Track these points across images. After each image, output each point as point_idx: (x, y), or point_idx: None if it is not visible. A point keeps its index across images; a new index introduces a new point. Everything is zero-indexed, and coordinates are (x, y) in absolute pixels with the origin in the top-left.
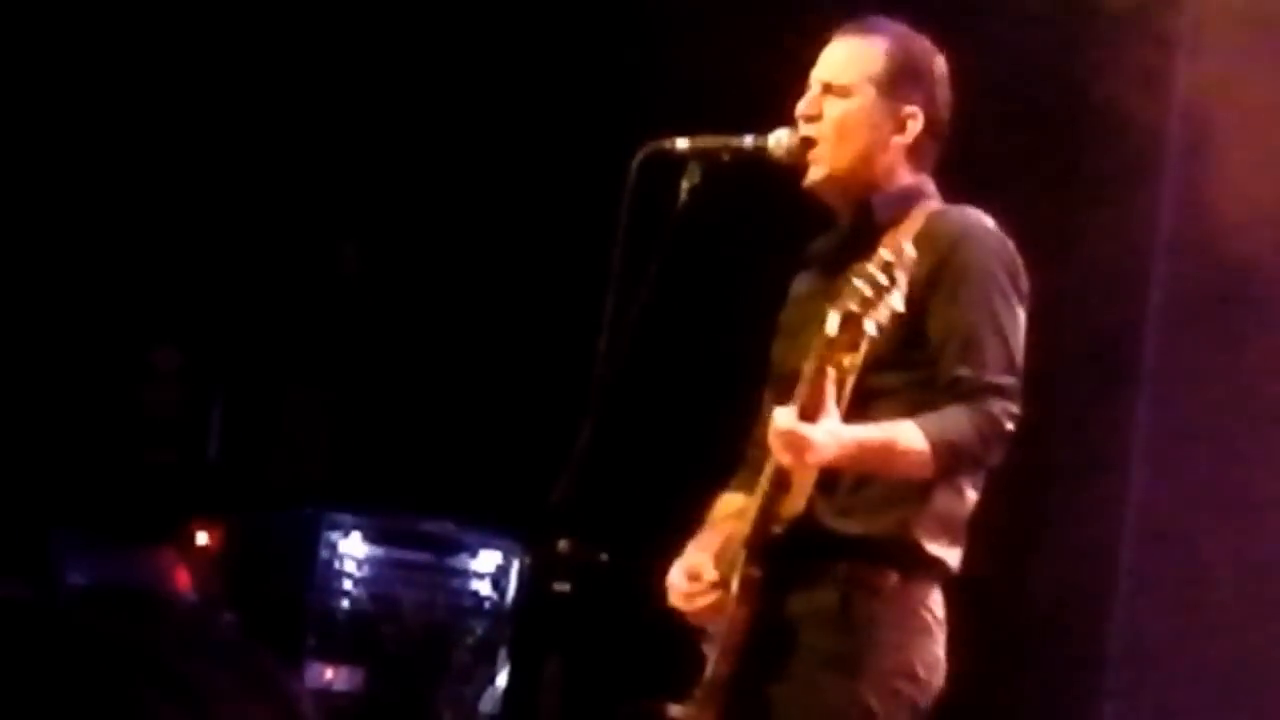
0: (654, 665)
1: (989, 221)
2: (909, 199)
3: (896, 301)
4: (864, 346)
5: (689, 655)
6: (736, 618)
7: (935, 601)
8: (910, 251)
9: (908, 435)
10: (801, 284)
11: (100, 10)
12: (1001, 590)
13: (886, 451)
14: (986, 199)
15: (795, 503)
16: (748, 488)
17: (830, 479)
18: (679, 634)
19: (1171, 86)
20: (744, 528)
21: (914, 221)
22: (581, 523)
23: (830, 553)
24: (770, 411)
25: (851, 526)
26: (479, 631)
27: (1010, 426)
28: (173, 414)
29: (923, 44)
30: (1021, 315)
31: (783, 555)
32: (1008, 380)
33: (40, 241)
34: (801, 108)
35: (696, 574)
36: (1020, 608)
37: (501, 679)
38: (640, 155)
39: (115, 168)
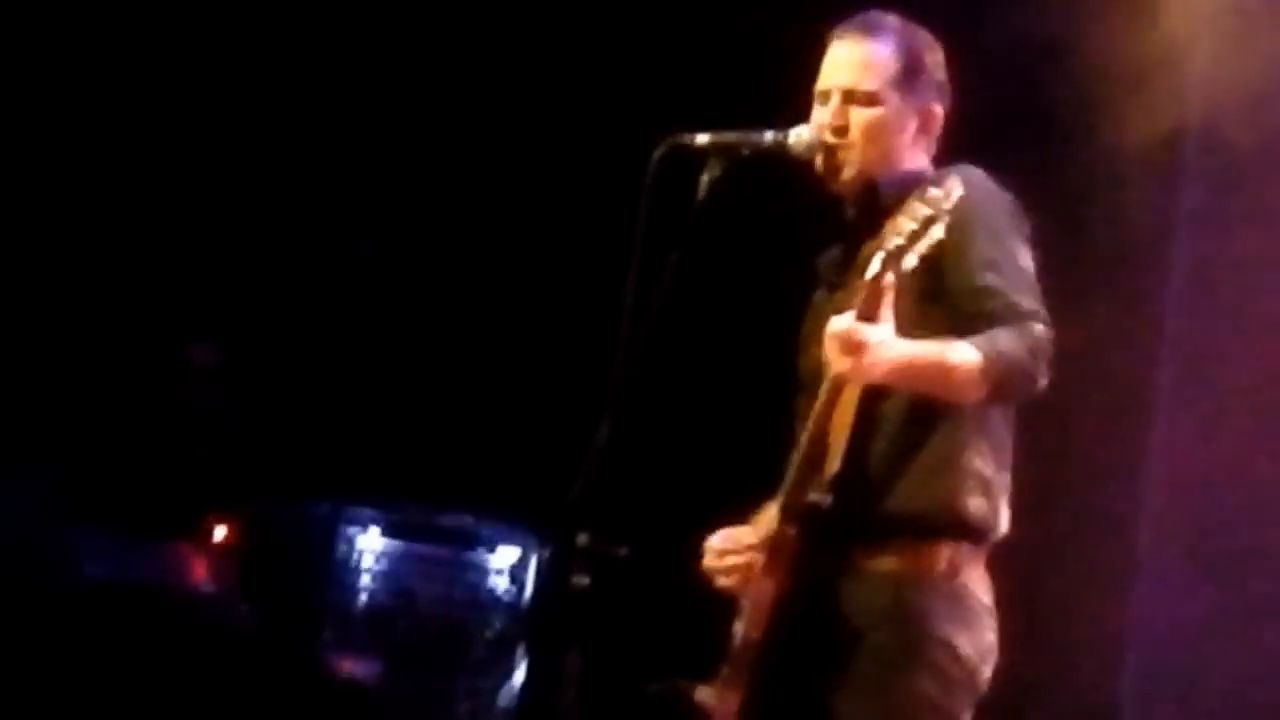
0: (674, 659)
1: (983, 175)
2: (911, 182)
3: (939, 231)
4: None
5: (711, 646)
6: (765, 585)
7: (984, 589)
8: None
9: (959, 349)
10: (817, 297)
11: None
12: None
13: (938, 365)
14: None
15: (831, 463)
16: None
17: (864, 454)
18: (701, 624)
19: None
20: (781, 496)
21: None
22: (601, 517)
23: (876, 537)
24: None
25: (896, 504)
26: (496, 626)
27: (1051, 351)
28: (209, 410)
29: (924, 35)
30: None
31: (824, 534)
32: (1040, 308)
33: (79, 235)
34: (826, 119)
35: (737, 538)
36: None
37: (519, 674)
38: (661, 149)
39: (153, 164)
